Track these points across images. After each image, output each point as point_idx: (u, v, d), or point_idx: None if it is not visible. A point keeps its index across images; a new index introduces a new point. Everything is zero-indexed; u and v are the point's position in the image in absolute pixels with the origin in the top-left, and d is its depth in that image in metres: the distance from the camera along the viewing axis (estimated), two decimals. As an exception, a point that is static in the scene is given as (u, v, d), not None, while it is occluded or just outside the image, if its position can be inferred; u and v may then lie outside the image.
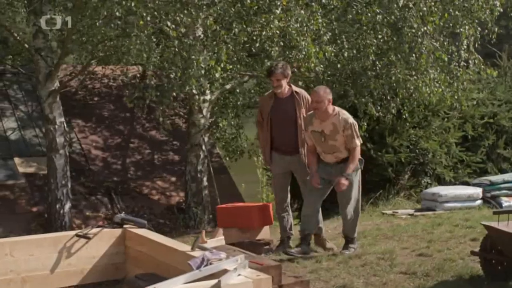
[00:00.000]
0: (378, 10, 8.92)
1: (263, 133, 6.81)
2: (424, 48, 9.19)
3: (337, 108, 6.31)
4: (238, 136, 13.63)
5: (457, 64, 9.85)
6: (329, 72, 9.65)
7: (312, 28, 8.40)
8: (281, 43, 8.55)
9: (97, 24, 7.75)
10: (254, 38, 8.61)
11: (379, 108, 10.03)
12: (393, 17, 9.02)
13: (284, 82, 6.59)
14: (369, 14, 8.93)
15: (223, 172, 12.44)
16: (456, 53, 9.82)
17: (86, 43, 9.11)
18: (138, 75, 13.21)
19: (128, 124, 12.99)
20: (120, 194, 11.35)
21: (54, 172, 9.60)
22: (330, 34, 8.88)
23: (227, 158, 13.58)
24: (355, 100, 9.76)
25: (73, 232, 4.94)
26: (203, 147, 10.40)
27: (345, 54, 9.14)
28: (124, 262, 4.99)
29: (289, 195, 6.86)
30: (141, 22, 7.60)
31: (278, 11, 8.22)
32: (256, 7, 8.31)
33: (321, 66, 8.82)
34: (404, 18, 9.00)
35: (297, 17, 8.26)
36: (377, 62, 9.36)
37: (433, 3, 9.24)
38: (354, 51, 9.21)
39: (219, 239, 5.26)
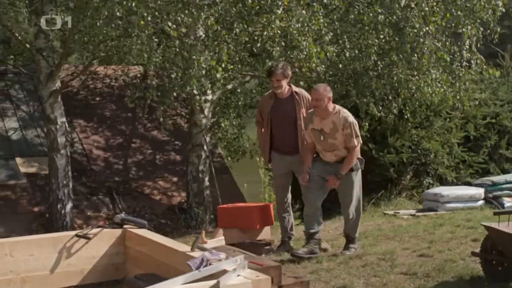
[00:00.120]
0: (380, 10, 8.90)
1: (262, 133, 6.81)
2: (426, 48, 9.17)
3: (337, 107, 6.29)
4: (240, 136, 13.65)
5: (459, 64, 9.82)
6: (330, 72, 9.65)
7: (313, 28, 8.39)
8: (283, 43, 8.53)
9: (98, 24, 7.74)
10: (256, 38, 8.60)
11: (381, 108, 10.03)
12: (395, 17, 9.00)
13: (284, 83, 6.58)
14: (371, 14, 8.91)
15: (225, 172, 12.43)
16: (458, 53, 9.79)
17: (88, 43, 9.09)
18: (140, 75, 13.20)
19: (130, 124, 12.98)
20: (121, 194, 11.34)
21: (55, 172, 9.60)
22: (331, 34, 8.87)
23: (229, 158, 13.59)
24: (357, 100, 9.76)
25: (73, 232, 4.94)
26: (205, 147, 10.39)
27: (347, 54, 9.12)
28: (124, 262, 4.99)
29: (290, 195, 6.85)
30: (142, 22, 7.59)
31: (279, 11, 8.20)
32: (258, 7, 8.30)
33: (323, 66, 8.81)
34: (406, 18, 8.99)
35: (298, 17, 8.25)
36: (379, 62, 9.35)
37: (435, 3, 9.21)
38: (356, 51, 9.18)
39: (219, 240, 5.25)
